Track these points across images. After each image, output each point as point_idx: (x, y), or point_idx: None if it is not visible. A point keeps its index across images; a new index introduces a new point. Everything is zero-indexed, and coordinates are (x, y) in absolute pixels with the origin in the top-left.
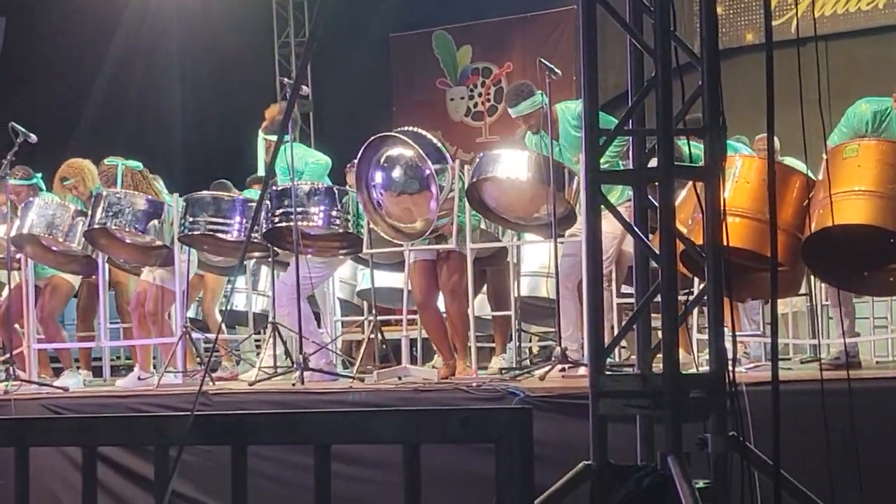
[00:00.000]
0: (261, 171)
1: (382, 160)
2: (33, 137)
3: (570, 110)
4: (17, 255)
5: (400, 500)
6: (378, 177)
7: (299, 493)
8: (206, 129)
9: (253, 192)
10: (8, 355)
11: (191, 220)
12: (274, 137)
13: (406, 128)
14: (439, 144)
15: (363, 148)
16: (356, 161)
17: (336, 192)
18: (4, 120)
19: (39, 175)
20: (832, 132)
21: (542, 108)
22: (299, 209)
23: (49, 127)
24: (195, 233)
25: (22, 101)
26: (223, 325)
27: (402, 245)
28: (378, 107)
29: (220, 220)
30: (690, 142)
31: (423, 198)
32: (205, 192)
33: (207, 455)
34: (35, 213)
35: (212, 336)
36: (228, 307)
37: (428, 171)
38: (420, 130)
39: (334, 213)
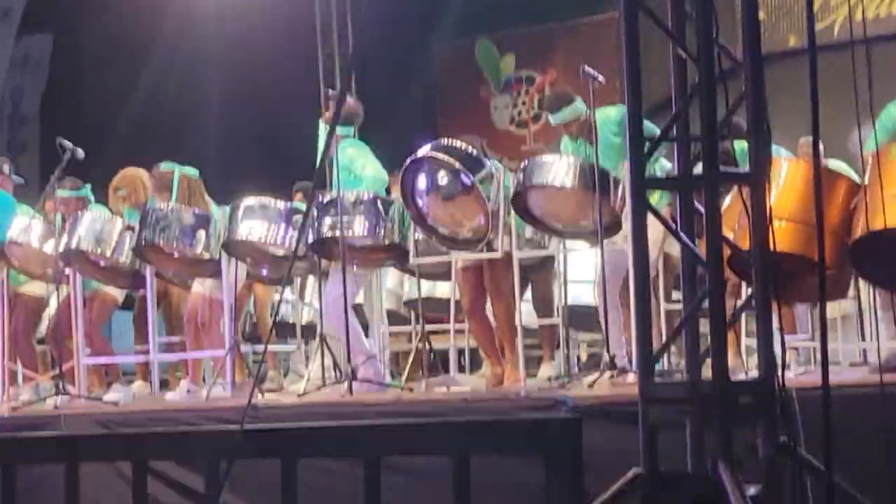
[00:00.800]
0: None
1: (425, 174)
2: (80, 153)
3: (609, 117)
4: (66, 270)
5: None
6: (422, 188)
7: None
8: (246, 138)
9: (298, 204)
10: (57, 370)
11: (235, 228)
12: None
13: (441, 141)
14: (477, 152)
15: (403, 169)
16: (400, 174)
17: (382, 202)
18: (52, 133)
19: (88, 186)
20: (868, 137)
21: (582, 117)
22: (345, 219)
23: (92, 135)
24: (238, 239)
25: (67, 113)
26: (271, 336)
27: (448, 253)
28: (422, 116)
29: (266, 230)
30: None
31: (468, 205)
32: (251, 201)
33: (258, 467)
34: (83, 228)
35: (260, 347)
36: (276, 318)
37: (469, 181)
38: (455, 143)
39: (380, 223)
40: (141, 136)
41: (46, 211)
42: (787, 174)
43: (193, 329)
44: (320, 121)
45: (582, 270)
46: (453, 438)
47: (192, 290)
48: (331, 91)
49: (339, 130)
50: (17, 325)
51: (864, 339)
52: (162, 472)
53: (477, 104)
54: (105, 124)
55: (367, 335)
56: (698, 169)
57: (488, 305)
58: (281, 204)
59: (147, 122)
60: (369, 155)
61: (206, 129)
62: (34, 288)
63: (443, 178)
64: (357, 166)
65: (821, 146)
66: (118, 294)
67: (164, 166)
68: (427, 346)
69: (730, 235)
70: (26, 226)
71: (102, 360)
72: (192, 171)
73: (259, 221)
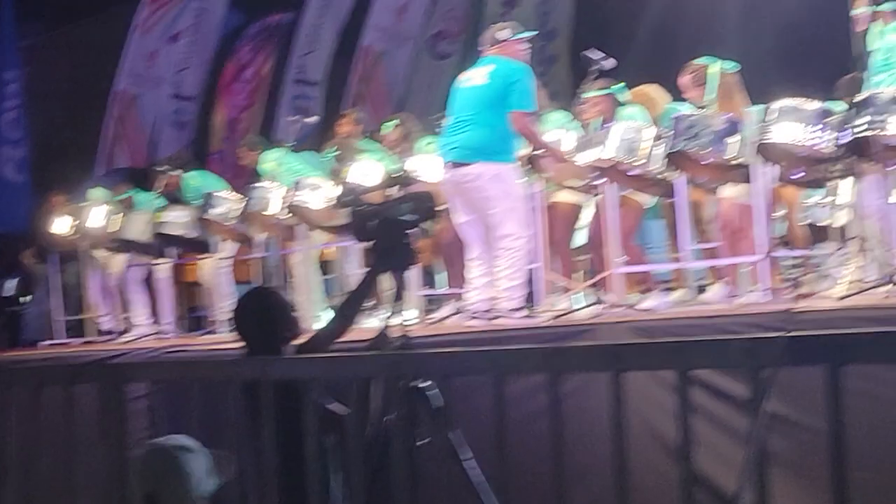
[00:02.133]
0: None
1: None
2: (610, 63)
3: None
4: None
5: None
6: None
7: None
8: (773, 34)
9: (833, 104)
10: (593, 279)
11: (768, 131)
12: None
13: None
14: None
15: None
16: None
17: None
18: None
19: (622, 84)
20: None
21: None
22: (879, 118)
23: (617, 46)
24: (771, 142)
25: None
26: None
27: None
28: None
29: (800, 132)
30: None
31: None
32: (783, 101)
33: (800, 373)
34: (615, 138)
35: (796, 252)
36: (808, 222)
37: None
38: None
39: None
40: (665, 40)
41: (579, 114)
42: None
43: (728, 235)
44: None
45: None
46: None
47: (720, 195)
48: None
49: None
50: (552, 234)
51: None
52: (704, 381)
53: None
54: (631, 33)
55: None
56: None
57: None
58: (814, 104)
59: (672, 25)
60: None
61: (727, 30)
62: (567, 196)
63: None
64: None
65: None
66: (647, 200)
67: (699, 61)
68: None
69: None
70: (557, 139)
71: (636, 267)
72: (731, 66)
73: (793, 123)
